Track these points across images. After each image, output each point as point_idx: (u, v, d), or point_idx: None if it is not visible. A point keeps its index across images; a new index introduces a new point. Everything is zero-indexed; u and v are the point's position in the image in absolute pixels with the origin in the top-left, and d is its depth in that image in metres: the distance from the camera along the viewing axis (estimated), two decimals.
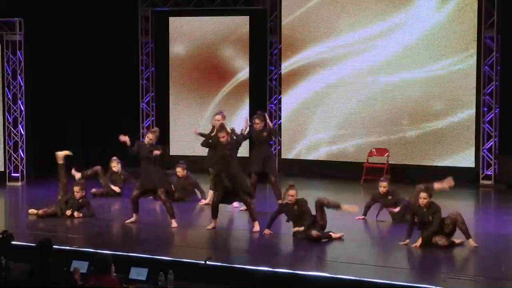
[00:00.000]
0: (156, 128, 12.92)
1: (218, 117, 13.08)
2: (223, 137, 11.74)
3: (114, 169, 14.87)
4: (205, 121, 18.14)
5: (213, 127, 13.05)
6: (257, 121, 13.26)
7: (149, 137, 12.17)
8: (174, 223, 11.96)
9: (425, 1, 16.32)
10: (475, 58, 15.97)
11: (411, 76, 16.50)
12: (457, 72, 16.14)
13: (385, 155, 16.52)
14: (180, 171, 14.32)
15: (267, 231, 11.39)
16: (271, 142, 13.93)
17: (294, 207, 11.22)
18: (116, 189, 14.73)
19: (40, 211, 12.58)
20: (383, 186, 12.46)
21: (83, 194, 12.83)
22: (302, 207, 11.19)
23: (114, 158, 14.87)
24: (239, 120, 17.87)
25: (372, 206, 12.52)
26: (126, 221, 12.19)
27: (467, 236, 10.53)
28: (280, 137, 17.68)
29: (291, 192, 11.25)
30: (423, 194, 10.63)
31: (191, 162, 18.14)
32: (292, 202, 11.23)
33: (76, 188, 12.74)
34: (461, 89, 16.13)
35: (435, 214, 10.55)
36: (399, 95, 16.62)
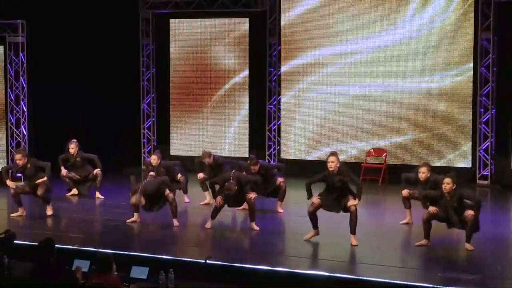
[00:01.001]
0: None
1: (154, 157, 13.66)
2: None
3: (71, 151, 14.59)
4: (205, 122, 18.19)
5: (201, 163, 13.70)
6: (252, 167, 13.01)
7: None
8: (175, 222, 11.97)
9: (423, 5, 16.32)
10: (471, 60, 15.98)
11: (409, 79, 16.51)
12: (454, 74, 16.15)
13: (383, 156, 16.53)
14: (154, 159, 13.85)
15: (315, 200, 10.99)
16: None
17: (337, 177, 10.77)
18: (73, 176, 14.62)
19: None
20: (422, 172, 11.79)
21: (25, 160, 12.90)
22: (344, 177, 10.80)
23: (74, 140, 14.72)
24: (238, 124, 17.94)
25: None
26: (127, 221, 12.18)
27: (468, 239, 10.44)
28: (280, 138, 17.71)
29: (331, 158, 10.96)
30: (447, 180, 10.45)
31: (191, 163, 18.21)
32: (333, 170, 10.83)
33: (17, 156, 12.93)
34: (458, 90, 16.14)
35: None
36: (397, 97, 16.62)
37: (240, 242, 11.44)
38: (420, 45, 16.36)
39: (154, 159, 13.80)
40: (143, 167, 13.78)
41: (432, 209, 10.46)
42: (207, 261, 9.65)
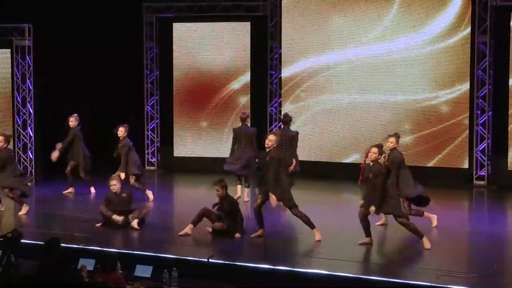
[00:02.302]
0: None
1: None
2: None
3: (71, 124, 14.56)
4: (207, 124, 18.19)
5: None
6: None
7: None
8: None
9: (421, 12, 16.33)
10: (468, 63, 16.00)
11: (408, 81, 16.53)
12: (452, 76, 16.17)
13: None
14: (122, 130, 13.97)
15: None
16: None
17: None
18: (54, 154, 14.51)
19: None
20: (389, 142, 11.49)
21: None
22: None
23: (75, 115, 14.68)
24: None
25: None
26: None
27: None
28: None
29: (390, 139, 11.05)
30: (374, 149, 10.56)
31: (194, 164, 18.24)
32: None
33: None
34: (456, 93, 16.15)
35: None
36: (395, 99, 16.62)
37: (242, 242, 11.41)
38: (418, 52, 16.38)
39: (121, 131, 13.95)
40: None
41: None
42: (210, 260, 9.66)
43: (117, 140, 13.96)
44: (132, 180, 13.84)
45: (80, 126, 14.73)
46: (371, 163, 10.47)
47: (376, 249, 10.60)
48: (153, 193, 14.22)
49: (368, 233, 10.51)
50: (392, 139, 11.25)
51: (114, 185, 11.78)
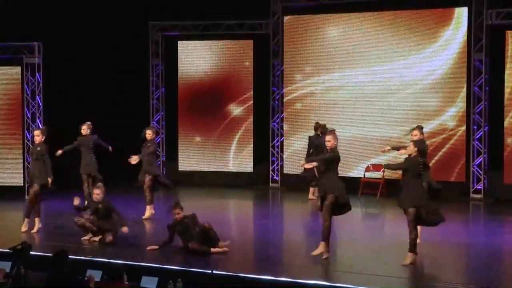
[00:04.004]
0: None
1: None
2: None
3: (83, 131, 14.30)
4: (211, 139, 18.19)
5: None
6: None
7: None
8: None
9: (420, 29, 16.38)
10: (465, 79, 16.02)
11: (406, 94, 16.56)
12: (449, 93, 16.19)
13: (381, 171, 16.50)
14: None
15: None
16: None
17: None
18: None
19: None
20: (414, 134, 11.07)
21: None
22: None
23: (88, 122, 14.36)
24: (242, 140, 17.93)
25: None
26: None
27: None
28: (283, 153, 17.73)
29: (414, 132, 10.83)
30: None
31: (198, 178, 18.24)
32: None
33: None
34: (452, 109, 16.16)
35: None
36: (395, 114, 16.65)
37: (244, 253, 11.39)
38: (416, 70, 16.43)
39: (149, 134, 13.65)
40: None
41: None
42: (214, 272, 9.63)
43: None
44: (147, 179, 13.52)
45: (93, 133, 14.37)
46: (411, 154, 10.00)
47: (376, 260, 10.56)
48: (157, 207, 13.98)
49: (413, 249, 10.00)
50: (416, 132, 10.91)
51: (98, 194, 11.56)
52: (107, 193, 11.66)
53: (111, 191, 12.51)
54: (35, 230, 12.30)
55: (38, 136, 12.67)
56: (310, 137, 15.23)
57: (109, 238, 11.30)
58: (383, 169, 16.47)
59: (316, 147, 14.34)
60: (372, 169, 16.65)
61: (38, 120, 16.74)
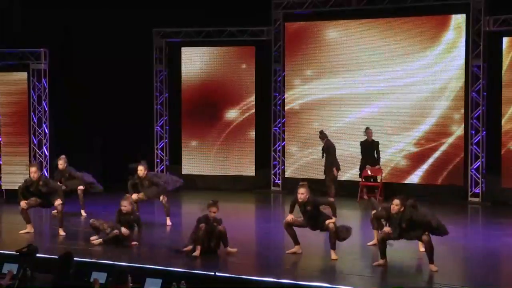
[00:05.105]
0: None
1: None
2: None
3: (60, 166, 14.19)
4: (214, 143, 18.19)
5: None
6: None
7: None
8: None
9: (419, 36, 16.40)
10: (463, 85, 16.05)
11: (405, 102, 16.57)
12: (447, 97, 16.20)
13: (379, 175, 16.50)
14: (141, 169, 13.27)
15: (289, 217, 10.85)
16: None
17: None
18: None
19: None
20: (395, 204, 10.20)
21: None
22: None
23: (62, 156, 14.24)
24: (244, 145, 17.93)
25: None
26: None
27: (430, 260, 9.95)
28: (284, 158, 17.74)
29: (301, 190, 10.72)
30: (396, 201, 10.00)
31: (201, 181, 18.24)
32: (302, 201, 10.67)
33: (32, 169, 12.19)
34: (450, 113, 16.18)
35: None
36: (394, 120, 16.67)
37: (247, 255, 11.39)
38: (416, 75, 16.45)
39: (141, 170, 13.28)
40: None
41: (387, 229, 10.13)
42: (216, 274, 9.63)
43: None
44: (164, 199, 13.38)
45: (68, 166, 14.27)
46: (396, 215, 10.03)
47: (374, 261, 10.54)
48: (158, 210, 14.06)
49: (383, 255, 10.14)
50: (397, 201, 10.09)
51: (125, 206, 11.56)
52: (108, 195, 11.69)
53: (115, 194, 12.52)
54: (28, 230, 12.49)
55: (36, 173, 12.40)
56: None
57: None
58: (381, 173, 16.48)
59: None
60: (370, 173, 16.60)
61: (44, 125, 16.76)
